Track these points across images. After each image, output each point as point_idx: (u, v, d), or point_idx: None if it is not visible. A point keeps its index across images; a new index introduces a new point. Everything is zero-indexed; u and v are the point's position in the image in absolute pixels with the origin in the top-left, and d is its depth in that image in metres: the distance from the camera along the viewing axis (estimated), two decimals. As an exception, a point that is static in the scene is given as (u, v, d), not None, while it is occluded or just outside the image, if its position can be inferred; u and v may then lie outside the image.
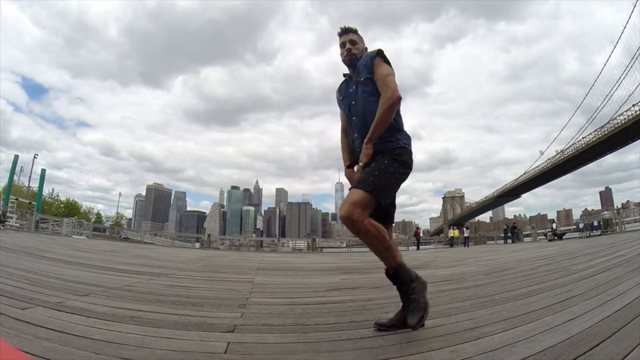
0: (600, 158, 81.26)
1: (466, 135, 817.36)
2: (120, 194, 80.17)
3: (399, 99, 2.05)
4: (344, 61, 2.34)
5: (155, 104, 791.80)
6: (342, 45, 2.34)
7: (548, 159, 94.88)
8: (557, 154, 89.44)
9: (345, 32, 2.34)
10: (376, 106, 2.09)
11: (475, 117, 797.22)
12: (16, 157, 30.18)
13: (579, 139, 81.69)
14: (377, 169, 2.04)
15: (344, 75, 2.43)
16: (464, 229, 30.68)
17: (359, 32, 2.39)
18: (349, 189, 2.07)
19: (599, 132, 73.36)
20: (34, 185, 38.27)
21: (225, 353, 1.68)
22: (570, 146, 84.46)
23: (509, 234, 26.78)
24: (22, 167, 37.10)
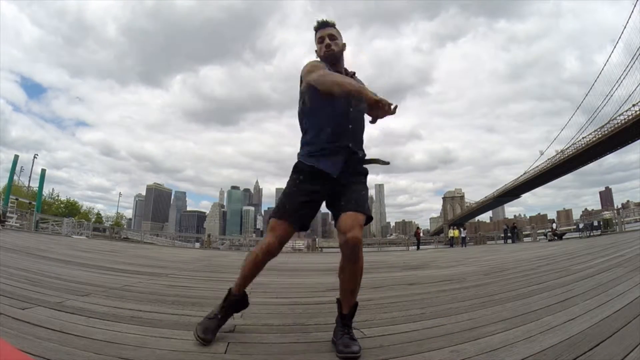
0: (600, 158, 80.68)
1: (466, 135, 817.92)
2: (120, 193, 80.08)
3: None
4: (322, 57, 2.12)
5: (154, 103, 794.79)
6: (321, 40, 2.13)
7: (548, 159, 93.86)
8: (557, 154, 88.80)
9: (323, 25, 2.13)
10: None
11: (476, 116, 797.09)
12: (16, 157, 30.17)
13: (579, 139, 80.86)
14: (367, 193, 2.02)
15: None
16: (461, 229, 30.60)
17: (337, 27, 2.18)
18: (346, 214, 1.86)
19: (599, 132, 72.56)
20: (34, 185, 38.24)
21: (225, 353, 1.68)
22: (570, 146, 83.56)
23: (509, 234, 26.83)
24: (22, 167, 37.08)
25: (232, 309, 2.02)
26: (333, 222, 2.02)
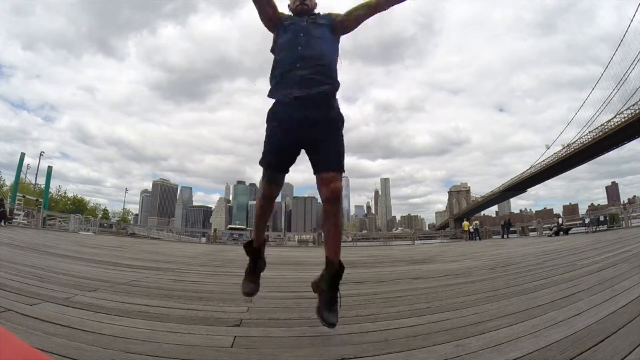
0: (620, 146, 74.77)
1: (475, 114, 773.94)
2: (126, 189, 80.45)
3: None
4: (293, 10, 2.20)
5: (116, 79, 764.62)
6: None
7: (564, 146, 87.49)
8: (564, 148, 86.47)
9: None
10: (331, 49, 2.10)
11: (486, 91, 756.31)
12: (22, 155, 30.45)
13: (593, 129, 75.28)
14: (342, 146, 2.00)
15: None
16: (476, 223, 30.22)
17: None
18: (321, 171, 1.91)
19: (618, 120, 67.07)
20: (40, 182, 38.43)
21: (232, 347, 1.69)
22: (579, 138, 79.16)
23: (505, 229, 27.25)
24: (28, 164, 37.31)
25: (255, 257, 2.30)
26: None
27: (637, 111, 63.35)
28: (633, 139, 69.11)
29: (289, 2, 2.24)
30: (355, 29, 2.17)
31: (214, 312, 2.40)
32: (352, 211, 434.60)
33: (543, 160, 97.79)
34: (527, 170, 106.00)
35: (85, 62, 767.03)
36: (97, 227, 27.67)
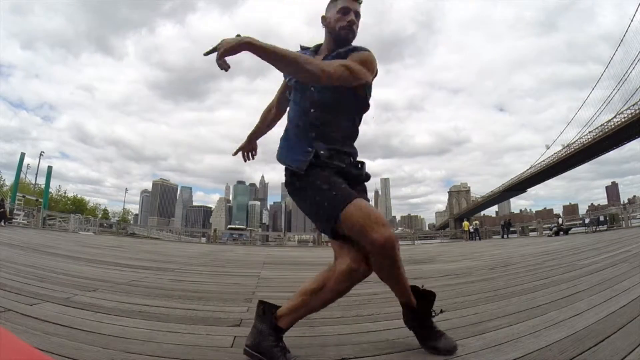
0: (620, 146, 73.94)
1: (475, 114, 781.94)
2: (126, 189, 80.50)
3: None
4: (340, 35, 1.60)
5: (115, 79, 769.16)
6: (345, 11, 1.58)
7: (564, 146, 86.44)
8: (564, 148, 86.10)
9: None
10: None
11: (486, 90, 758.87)
12: (22, 155, 30.46)
13: (593, 128, 74.66)
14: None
15: (303, 47, 1.74)
16: (476, 223, 30.13)
17: None
18: (356, 200, 1.50)
19: (618, 120, 66.24)
20: (40, 182, 38.40)
21: (231, 347, 1.70)
22: (579, 138, 78.72)
23: (505, 229, 27.30)
24: (28, 164, 37.28)
25: None
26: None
27: (638, 111, 63.14)
28: (633, 139, 68.97)
29: (326, 13, 1.65)
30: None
31: (213, 312, 2.40)
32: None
33: (543, 160, 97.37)
34: (527, 170, 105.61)
35: (83, 62, 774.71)
36: (97, 227, 27.60)
